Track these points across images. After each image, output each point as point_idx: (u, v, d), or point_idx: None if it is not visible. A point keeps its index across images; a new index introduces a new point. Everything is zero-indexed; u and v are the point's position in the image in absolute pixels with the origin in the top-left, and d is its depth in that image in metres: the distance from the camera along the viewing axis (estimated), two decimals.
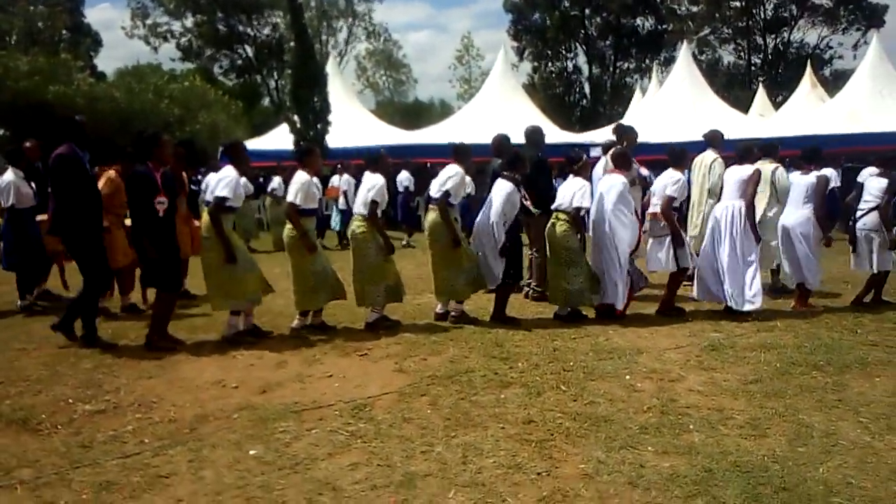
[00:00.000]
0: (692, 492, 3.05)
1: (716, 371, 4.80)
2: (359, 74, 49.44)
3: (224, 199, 5.55)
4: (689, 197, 7.57)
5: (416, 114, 44.04)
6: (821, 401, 4.16)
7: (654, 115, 18.66)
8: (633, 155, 6.94)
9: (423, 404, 4.21)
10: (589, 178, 6.56)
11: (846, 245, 6.99)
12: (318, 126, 16.79)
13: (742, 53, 44.21)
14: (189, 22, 43.90)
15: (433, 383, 4.59)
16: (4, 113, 23.16)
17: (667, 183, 6.47)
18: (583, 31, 45.40)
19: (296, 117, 17.01)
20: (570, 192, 6.29)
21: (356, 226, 6.13)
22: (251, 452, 3.54)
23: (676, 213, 6.66)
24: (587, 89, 47.55)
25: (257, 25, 44.26)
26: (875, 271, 6.71)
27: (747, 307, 6.30)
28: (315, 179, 6.24)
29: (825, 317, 6.33)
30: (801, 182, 6.81)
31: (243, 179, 6.23)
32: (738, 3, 42.08)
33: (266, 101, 44.57)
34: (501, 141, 7.22)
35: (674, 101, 19.27)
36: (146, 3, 42.72)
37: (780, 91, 32.37)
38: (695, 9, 43.28)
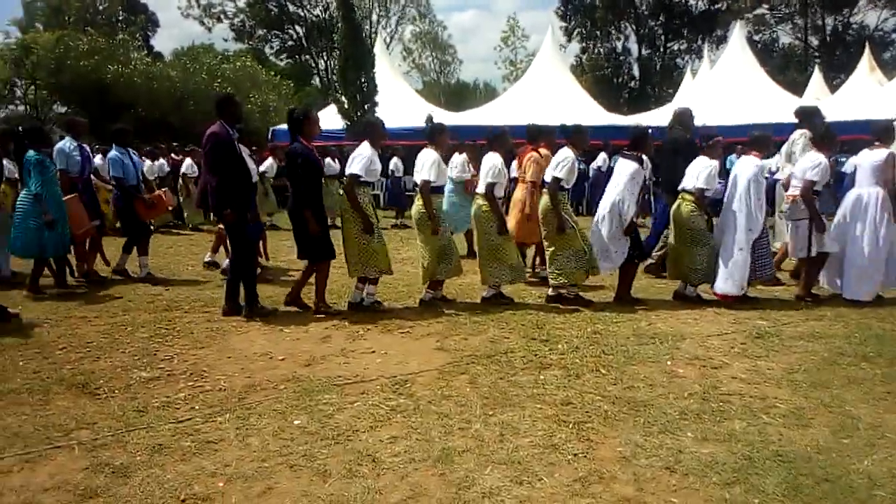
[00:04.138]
0: (730, 479, 3.03)
1: (760, 359, 4.73)
2: (404, 56, 49.47)
3: (357, 175, 5.84)
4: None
5: (460, 95, 43.85)
6: (868, 392, 4.07)
7: (705, 98, 18.19)
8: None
9: (462, 382, 4.27)
10: (719, 158, 6.42)
11: None
12: (366, 106, 16.88)
13: (799, 34, 42.60)
14: (242, 2, 44.54)
15: (473, 362, 4.65)
16: (66, 92, 23.93)
17: (808, 167, 6.30)
18: (633, 11, 44.40)
19: (343, 98, 17.14)
20: (696, 172, 6.23)
21: (478, 206, 6.31)
22: (295, 422, 3.66)
23: (817, 196, 6.45)
24: (636, 70, 46.59)
25: (308, 6, 44.61)
26: None
27: (864, 297, 6.19)
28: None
29: (877, 307, 6.15)
30: (869, 160, 6.47)
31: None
32: None
33: (316, 82, 45.00)
34: (683, 112, 7.32)
35: (725, 83, 18.76)
36: None
37: (838, 74, 31.14)
38: None
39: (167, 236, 11.87)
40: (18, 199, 6.74)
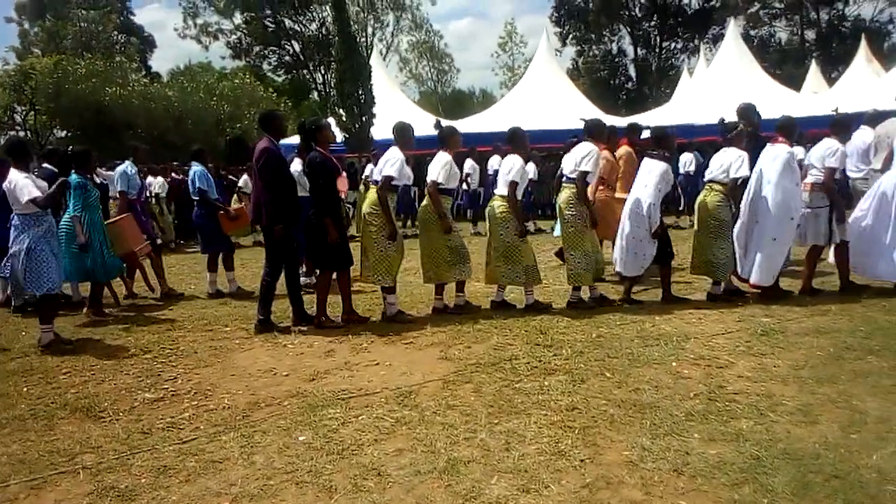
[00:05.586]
0: (739, 479, 3.01)
1: (766, 357, 4.70)
2: (401, 67, 49.65)
3: (391, 178, 5.85)
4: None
5: (458, 104, 43.97)
6: (876, 386, 4.04)
7: (703, 96, 18.20)
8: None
9: (466, 391, 4.25)
10: (744, 148, 6.31)
11: None
12: (364, 118, 16.96)
13: (795, 29, 42.64)
14: (238, 19, 44.81)
15: (477, 371, 4.63)
16: (66, 115, 24.04)
17: (824, 154, 6.23)
18: (626, 13, 44.48)
19: (341, 111, 17.22)
20: (727, 162, 6.15)
21: (496, 206, 6.28)
22: (300, 438, 3.64)
23: (837, 185, 6.37)
24: (632, 72, 46.64)
25: (304, 21, 44.84)
26: None
27: None
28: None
29: (881, 299, 6.11)
30: None
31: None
32: None
33: (314, 96, 45.19)
34: (746, 107, 7.32)
35: (722, 81, 18.75)
36: (197, 3, 43.80)
37: (835, 67, 31.18)
38: None
39: (172, 255, 11.86)
40: (60, 223, 6.44)
